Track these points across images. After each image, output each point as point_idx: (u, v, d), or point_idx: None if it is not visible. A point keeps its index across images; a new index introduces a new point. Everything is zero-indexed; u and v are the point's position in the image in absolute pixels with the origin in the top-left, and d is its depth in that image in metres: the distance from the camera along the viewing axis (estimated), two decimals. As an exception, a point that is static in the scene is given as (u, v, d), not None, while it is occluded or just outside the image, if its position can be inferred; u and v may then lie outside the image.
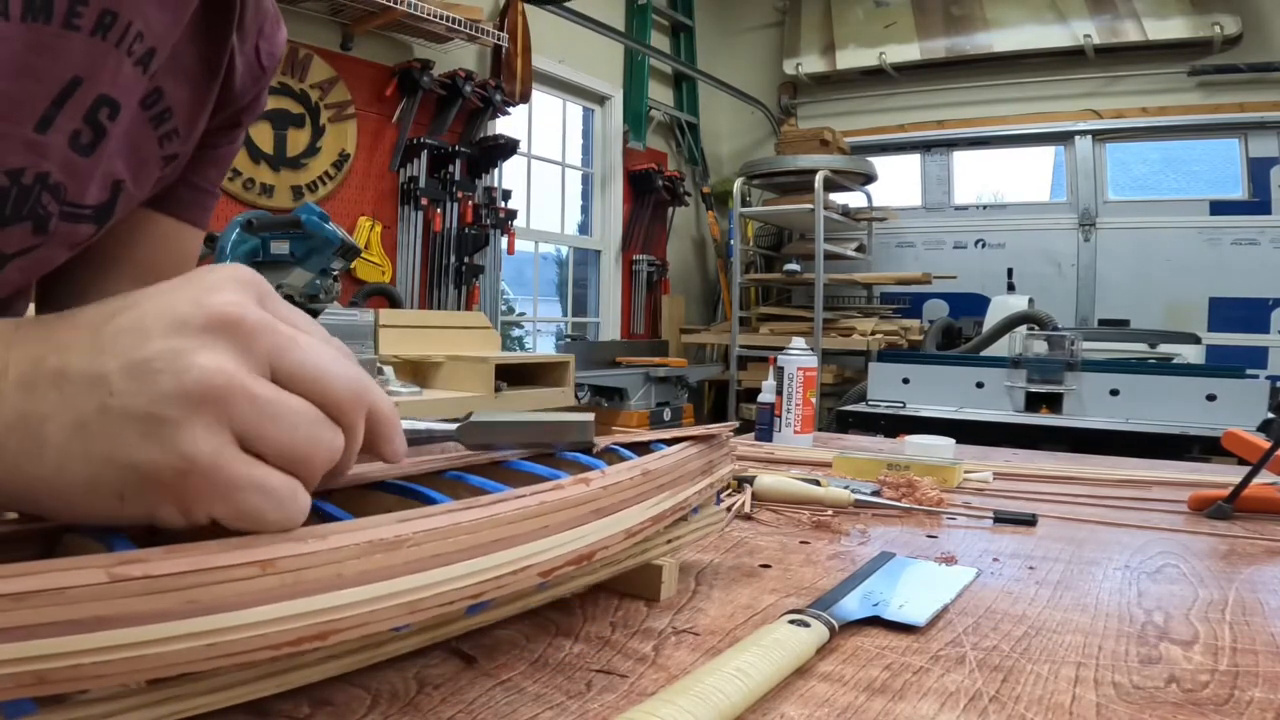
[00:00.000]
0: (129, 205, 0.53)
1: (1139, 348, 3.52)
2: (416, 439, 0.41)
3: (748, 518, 0.76)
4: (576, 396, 3.42)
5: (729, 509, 0.76)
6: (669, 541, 0.50)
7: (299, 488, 0.29)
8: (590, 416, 0.48)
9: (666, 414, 4.09)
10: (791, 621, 0.42)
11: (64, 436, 0.26)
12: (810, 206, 4.39)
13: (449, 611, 0.32)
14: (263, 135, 2.95)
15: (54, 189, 0.47)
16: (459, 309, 3.59)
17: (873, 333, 4.53)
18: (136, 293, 0.29)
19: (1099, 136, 4.89)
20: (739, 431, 1.21)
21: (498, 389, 2.56)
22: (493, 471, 0.43)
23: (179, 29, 0.50)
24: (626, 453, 0.49)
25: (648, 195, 4.92)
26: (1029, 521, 0.76)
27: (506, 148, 3.68)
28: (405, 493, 0.38)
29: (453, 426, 0.43)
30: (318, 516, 0.32)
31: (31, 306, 0.56)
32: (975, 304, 4.77)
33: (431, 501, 0.36)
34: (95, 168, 0.48)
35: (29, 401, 0.27)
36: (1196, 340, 3.65)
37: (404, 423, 0.38)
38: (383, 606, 0.29)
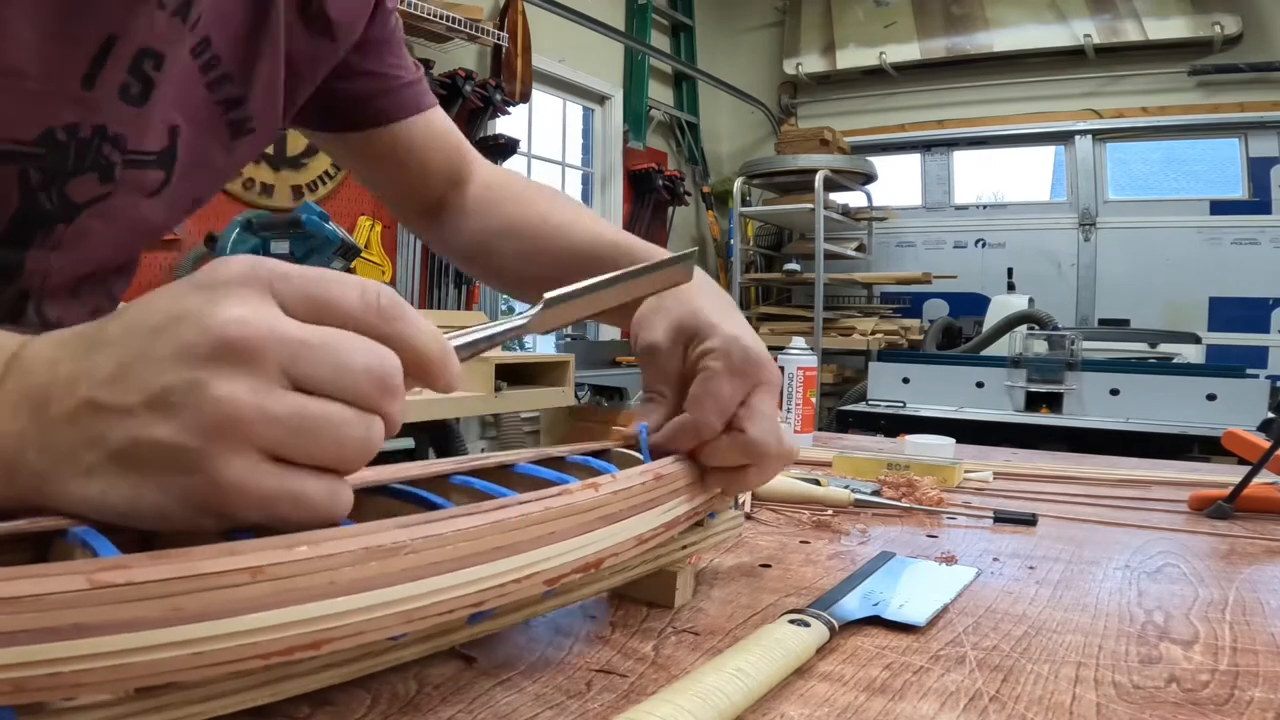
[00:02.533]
0: (191, 152, 0.55)
1: (1139, 347, 3.53)
2: (477, 348, 0.37)
3: (748, 517, 0.76)
4: (576, 396, 3.42)
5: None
6: (684, 547, 0.49)
7: (337, 485, 0.30)
8: (693, 250, 0.46)
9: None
10: (791, 621, 0.42)
11: (105, 465, 0.28)
12: (810, 206, 4.39)
13: (449, 620, 0.32)
14: (263, 135, 2.95)
15: (114, 140, 0.49)
16: (459, 309, 3.59)
17: (873, 332, 4.53)
18: (158, 299, 0.29)
19: (1099, 136, 4.89)
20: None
21: (498, 389, 2.56)
22: (501, 476, 0.42)
23: None
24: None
25: (648, 195, 4.92)
26: (1029, 521, 0.76)
27: (507, 147, 3.68)
28: (408, 498, 0.37)
29: (524, 320, 0.40)
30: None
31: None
32: (975, 304, 4.78)
33: (434, 507, 0.35)
34: (151, 115, 0.51)
35: (72, 434, 0.28)
36: (1196, 340, 3.65)
37: (464, 336, 0.37)
38: (379, 615, 0.29)
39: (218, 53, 0.54)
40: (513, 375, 2.68)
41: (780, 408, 0.37)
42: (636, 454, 0.47)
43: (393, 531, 0.30)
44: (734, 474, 0.48)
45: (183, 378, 0.27)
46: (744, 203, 4.75)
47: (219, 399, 0.27)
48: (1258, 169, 4.52)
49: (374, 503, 0.37)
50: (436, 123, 0.71)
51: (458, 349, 0.35)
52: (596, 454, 0.46)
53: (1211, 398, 2.56)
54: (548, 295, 0.41)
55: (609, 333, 4.85)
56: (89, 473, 0.28)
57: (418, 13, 3.09)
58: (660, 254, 0.57)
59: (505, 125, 3.90)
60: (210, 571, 0.25)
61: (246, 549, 0.26)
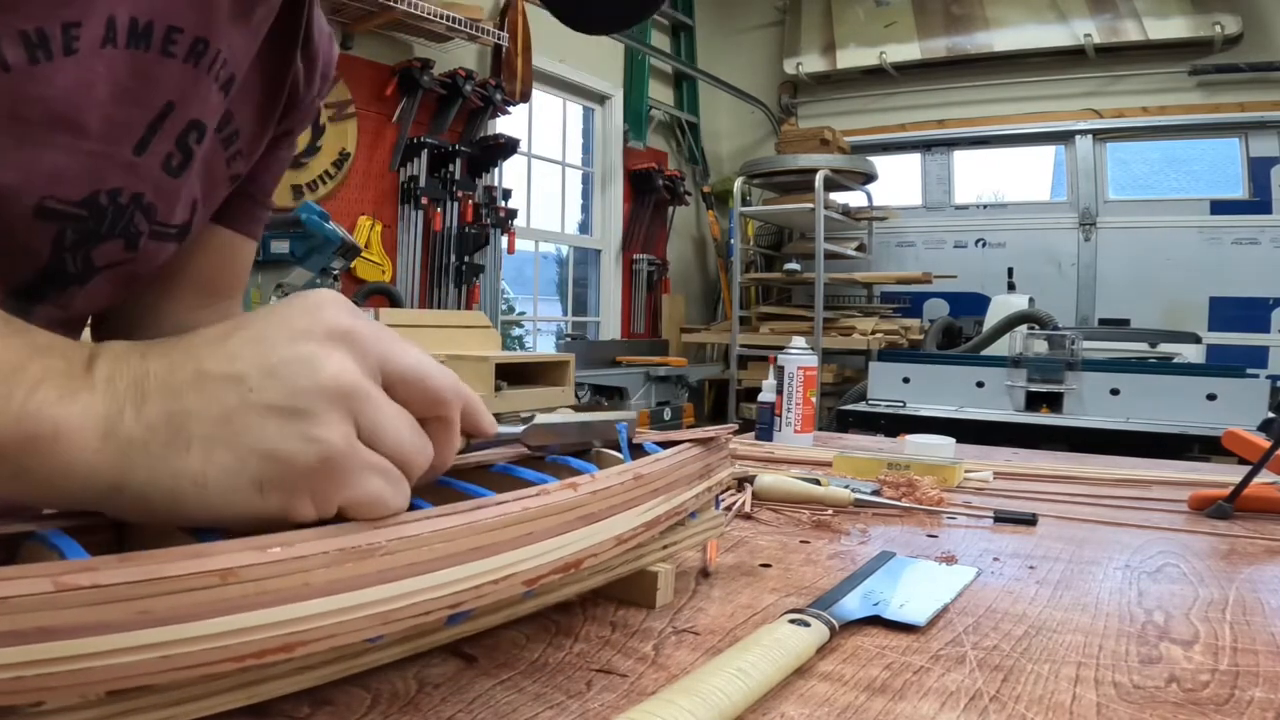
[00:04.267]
0: (200, 225, 0.55)
1: (1139, 347, 3.52)
2: (497, 441, 0.41)
3: (748, 517, 0.76)
4: (577, 396, 3.42)
5: (729, 508, 0.76)
6: (665, 547, 0.49)
7: (404, 484, 0.32)
8: (634, 414, 0.50)
9: (667, 413, 4.09)
10: (792, 621, 0.42)
11: (207, 430, 0.29)
12: (810, 206, 4.39)
13: (426, 622, 0.31)
14: (263, 134, 2.95)
15: (146, 209, 0.49)
16: (459, 308, 3.59)
17: (873, 332, 4.53)
18: (244, 315, 0.32)
19: (1099, 136, 4.89)
20: (739, 431, 1.21)
21: (498, 388, 2.56)
22: (480, 476, 0.42)
23: (250, 56, 0.51)
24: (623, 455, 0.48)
25: (648, 195, 4.92)
26: (1029, 521, 0.76)
27: (507, 147, 3.68)
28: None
29: (519, 429, 0.44)
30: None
31: (87, 332, 0.57)
32: (975, 303, 4.77)
33: (413, 508, 0.34)
34: (182, 188, 0.50)
35: (173, 402, 0.29)
36: (1197, 340, 3.65)
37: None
38: (354, 617, 0.28)
39: (237, 129, 0.54)
40: (513, 375, 2.68)
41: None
42: (618, 453, 0.48)
43: (367, 533, 0.29)
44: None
45: (299, 350, 0.30)
46: (744, 202, 4.75)
47: (336, 366, 0.30)
48: (1258, 169, 4.52)
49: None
50: (244, 254, 0.66)
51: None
52: (577, 453, 0.46)
53: (1212, 398, 2.56)
54: (539, 419, 0.45)
55: (609, 332, 4.86)
56: (188, 442, 0.29)
57: (418, 12, 3.09)
58: None
59: (505, 125, 3.90)
60: (178, 574, 0.25)
61: (217, 551, 0.26)
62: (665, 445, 0.50)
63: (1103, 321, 4.76)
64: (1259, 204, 4.51)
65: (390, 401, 0.31)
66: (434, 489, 0.39)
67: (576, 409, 3.65)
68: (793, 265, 4.72)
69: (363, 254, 3.14)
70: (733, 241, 4.84)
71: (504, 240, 3.82)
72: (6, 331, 0.29)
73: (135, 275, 0.52)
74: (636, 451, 0.49)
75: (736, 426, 0.66)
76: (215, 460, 0.29)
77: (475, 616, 0.37)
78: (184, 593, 0.25)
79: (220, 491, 0.29)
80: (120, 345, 0.31)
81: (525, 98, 3.81)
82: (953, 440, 1.11)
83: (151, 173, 0.48)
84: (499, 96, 3.62)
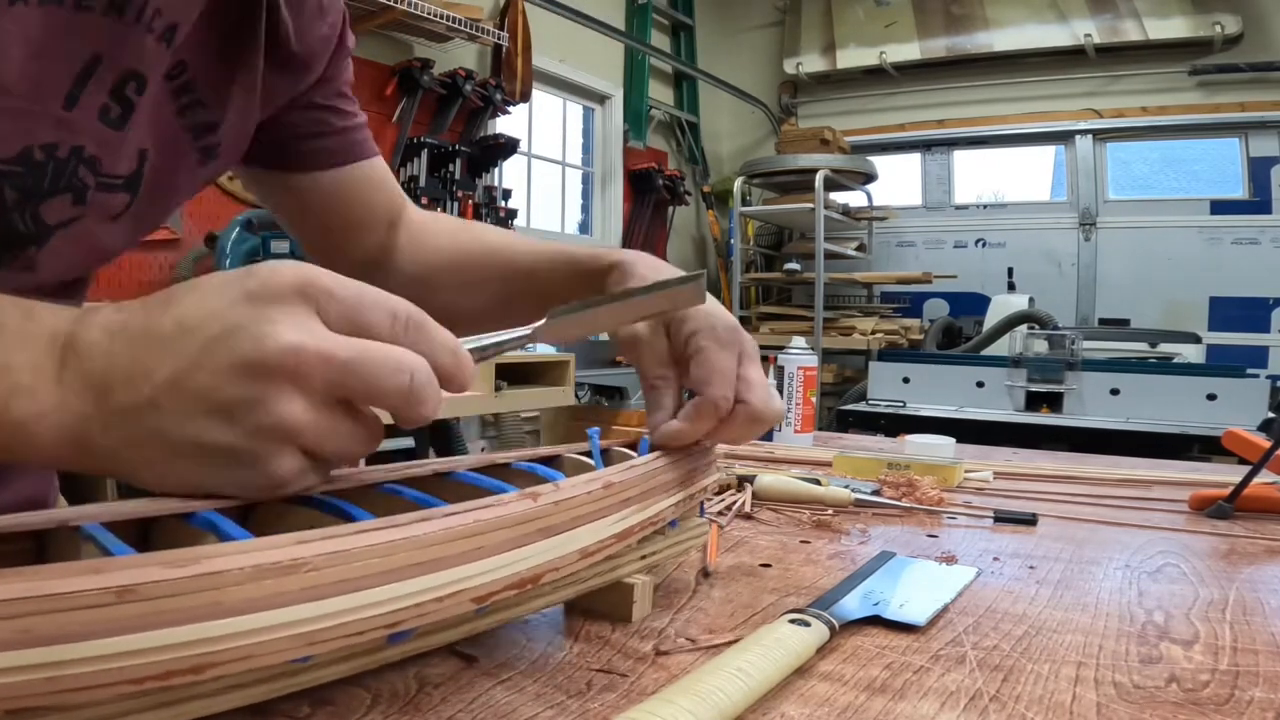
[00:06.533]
0: (156, 176, 0.54)
1: (1139, 347, 3.52)
2: (486, 353, 0.40)
3: (748, 517, 0.76)
4: (577, 396, 3.42)
5: (729, 508, 0.76)
6: (643, 558, 0.46)
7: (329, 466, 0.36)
8: (702, 272, 0.46)
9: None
10: (792, 621, 0.42)
11: (170, 458, 0.31)
12: (810, 206, 4.39)
13: (362, 642, 0.30)
14: (263, 134, 2.95)
15: (89, 162, 0.49)
16: (459, 308, 3.58)
17: (873, 332, 4.53)
18: (198, 300, 0.33)
19: (1099, 136, 4.89)
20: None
21: (498, 388, 2.56)
22: (436, 485, 0.39)
23: (199, 5, 0.50)
24: (594, 461, 0.46)
25: (648, 194, 4.92)
26: (1029, 521, 0.76)
27: (507, 147, 3.68)
28: (327, 509, 0.35)
29: (529, 330, 0.43)
30: (217, 536, 0.30)
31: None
32: (975, 303, 4.77)
33: (353, 519, 0.32)
34: (125, 140, 0.50)
35: (137, 426, 0.31)
36: (1197, 340, 3.65)
37: (474, 341, 0.40)
38: (273, 637, 0.27)
39: (192, 77, 0.53)
40: (513, 375, 2.68)
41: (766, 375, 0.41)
42: (589, 460, 0.46)
43: (291, 548, 0.28)
44: (732, 435, 0.50)
45: (243, 393, 0.31)
46: (744, 202, 4.75)
47: (277, 414, 0.31)
48: (1258, 169, 4.52)
49: (291, 515, 0.35)
50: (379, 168, 0.70)
51: (470, 351, 0.38)
52: (546, 460, 0.44)
53: (1212, 397, 2.56)
54: (552, 309, 0.44)
55: (609, 332, 4.85)
56: (153, 462, 0.32)
57: (418, 12, 3.09)
58: (628, 256, 0.57)
59: (505, 125, 3.90)
60: (65, 591, 0.23)
61: (116, 567, 0.25)
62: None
63: (1103, 321, 4.76)
64: (1259, 204, 4.51)
65: (334, 423, 0.33)
66: (385, 500, 0.37)
67: (576, 407, 3.65)
68: (793, 265, 4.72)
69: (363, 254, 3.13)
70: (733, 241, 4.84)
71: (504, 240, 3.81)
72: None
73: (92, 232, 0.52)
74: (638, 454, 0.47)
75: None
76: (182, 478, 0.32)
77: (421, 635, 0.35)
78: (72, 611, 0.23)
79: (196, 491, 0.32)
80: (88, 345, 0.32)
81: (525, 98, 3.81)
82: (953, 440, 1.11)
83: (88, 125, 0.47)
84: (499, 96, 3.62)
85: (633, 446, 0.50)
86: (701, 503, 0.52)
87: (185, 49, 0.51)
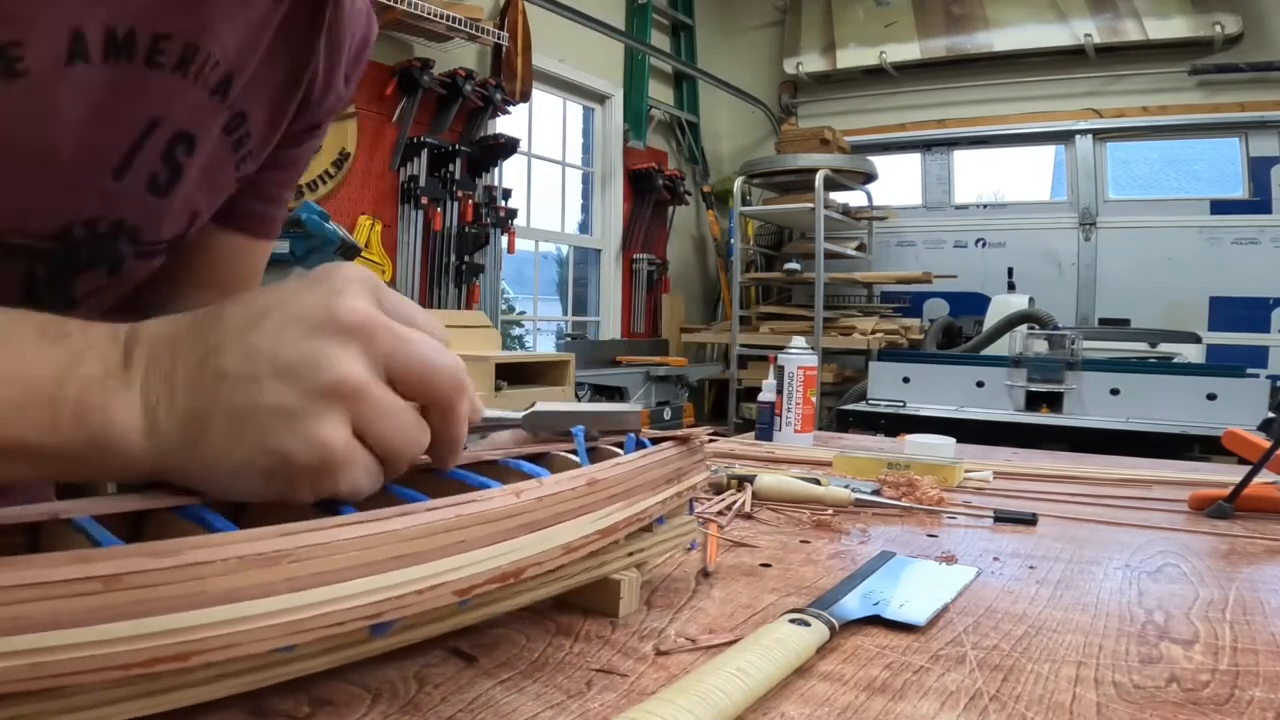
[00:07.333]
0: (200, 229, 0.53)
1: (1139, 347, 3.52)
2: (487, 426, 0.43)
3: (748, 517, 0.76)
4: (577, 395, 3.42)
5: (729, 508, 0.76)
6: (630, 554, 0.46)
7: (381, 473, 0.35)
8: (639, 407, 0.50)
9: (667, 413, 4.09)
10: (792, 621, 0.42)
11: (224, 427, 0.31)
12: (810, 205, 4.39)
13: (343, 633, 0.30)
14: (263, 134, 2.95)
15: (130, 232, 0.47)
16: (459, 308, 3.59)
17: (873, 332, 4.53)
18: (270, 294, 0.33)
19: (1099, 136, 4.89)
20: (739, 430, 1.21)
21: (498, 388, 2.56)
22: (423, 481, 0.40)
23: (258, 51, 0.47)
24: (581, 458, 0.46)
25: (648, 194, 4.92)
26: (1029, 521, 0.76)
27: (507, 147, 3.68)
28: (314, 504, 0.35)
29: (519, 415, 0.46)
30: (206, 530, 0.31)
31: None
32: (975, 303, 4.77)
33: (338, 514, 0.33)
34: (172, 205, 0.47)
35: (196, 399, 0.32)
36: (1197, 339, 3.65)
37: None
38: (256, 626, 0.27)
39: (250, 129, 0.50)
40: (513, 374, 2.68)
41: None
42: (574, 456, 0.46)
43: (274, 539, 0.28)
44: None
45: (312, 348, 0.31)
46: (744, 202, 4.75)
47: (339, 370, 0.31)
48: (1258, 169, 4.52)
49: (278, 511, 0.35)
50: (265, 252, 0.64)
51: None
52: (534, 457, 0.45)
53: (1212, 397, 2.56)
54: (538, 406, 0.47)
55: (609, 332, 4.86)
56: (207, 436, 0.32)
57: (418, 12, 3.09)
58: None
59: (505, 125, 3.90)
60: (55, 580, 0.24)
61: (103, 557, 0.25)
62: (654, 442, 0.49)
63: (1103, 321, 4.76)
64: (1259, 204, 4.51)
65: (390, 397, 0.33)
66: (371, 496, 0.37)
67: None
68: (793, 265, 4.72)
69: (363, 254, 3.13)
70: (733, 241, 4.84)
71: (504, 240, 3.82)
72: (43, 342, 0.32)
73: (118, 293, 0.50)
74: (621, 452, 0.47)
75: (710, 431, 0.64)
76: (230, 453, 0.31)
77: (404, 628, 0.35)
78: (62, 599, 0.24)
79: (231, 479, 0.32)
80: (151, 334, 0.33)
81: (525, 97, 3.81)
82: (953, 440, 1.11)
83: (134, 195, 0.45)
84: (499, 96, 3.62)
85: (622, 444, 0.50)
86: (691, 500, 0.52)
87: (243, 99, 0.48)
